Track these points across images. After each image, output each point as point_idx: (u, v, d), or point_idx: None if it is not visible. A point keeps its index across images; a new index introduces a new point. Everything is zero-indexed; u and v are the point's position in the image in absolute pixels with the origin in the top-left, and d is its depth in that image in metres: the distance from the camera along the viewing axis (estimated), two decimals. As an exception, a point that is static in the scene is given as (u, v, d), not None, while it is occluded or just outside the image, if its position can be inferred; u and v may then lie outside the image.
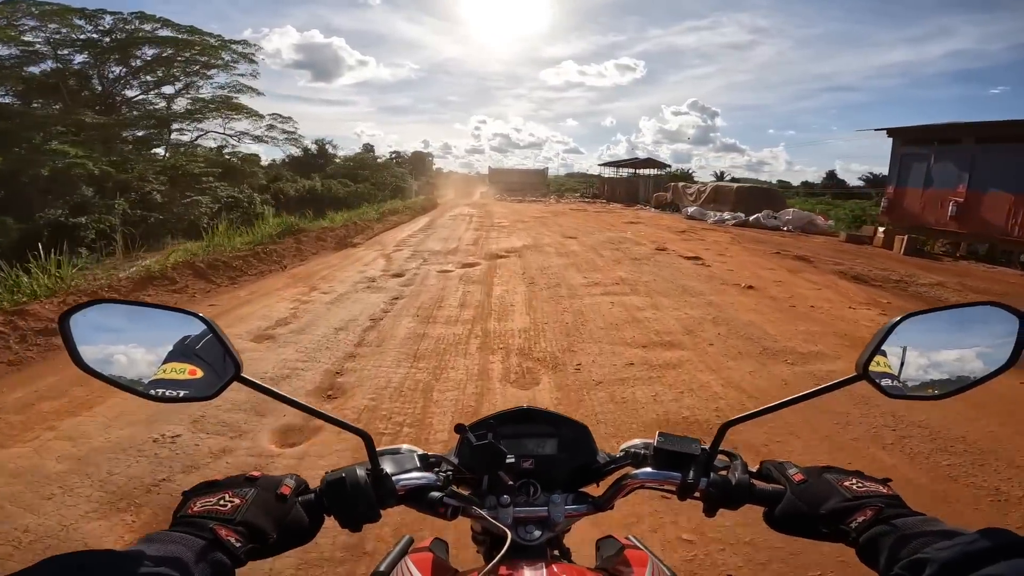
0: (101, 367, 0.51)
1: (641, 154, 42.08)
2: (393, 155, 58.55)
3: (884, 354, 0.54)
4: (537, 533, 0.61)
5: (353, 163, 38.93)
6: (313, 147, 38.09)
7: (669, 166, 36.93)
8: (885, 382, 0.55)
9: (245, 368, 0.53)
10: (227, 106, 21.50)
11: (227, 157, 24.27)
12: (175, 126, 20.86)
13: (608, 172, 39.08)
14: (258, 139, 23.81)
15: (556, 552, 0.66)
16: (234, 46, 20.68)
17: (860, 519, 0.49)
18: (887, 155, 13.15)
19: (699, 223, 16.85)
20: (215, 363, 0.53)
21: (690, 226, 15.52)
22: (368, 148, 52.17)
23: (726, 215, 17.27)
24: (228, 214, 25.18)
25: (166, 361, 0.52)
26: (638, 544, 0.69)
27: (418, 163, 58.05)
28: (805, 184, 45.83)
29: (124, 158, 15.39)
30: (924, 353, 0.55)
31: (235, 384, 0.53)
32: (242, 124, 23.31)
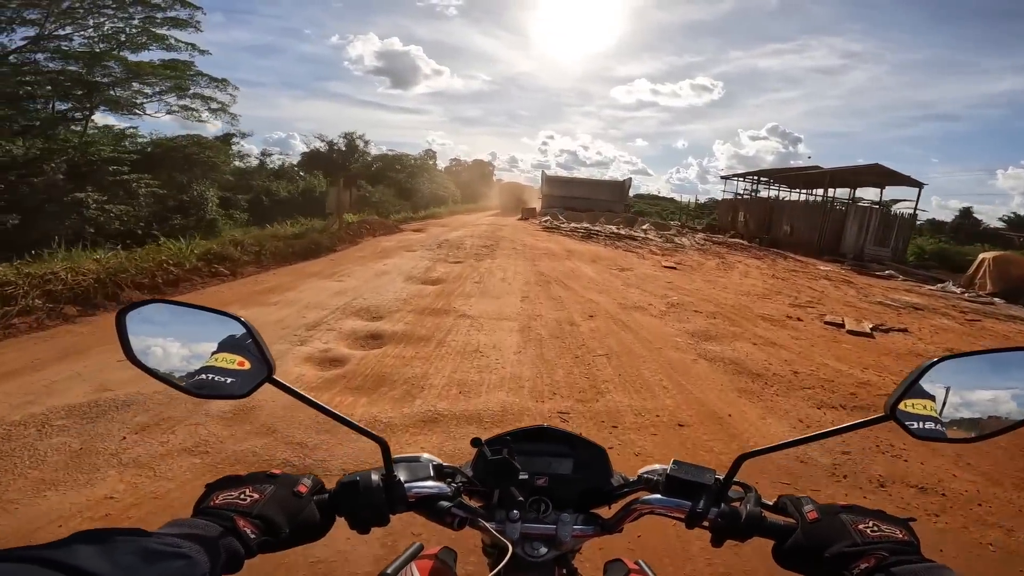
0: (150, 361, 0.54)
1: (713, 179, 23.77)
2: (453, 162, 52.87)
3: (924, 396, 0.54)
4: (543, 550, 0.62)
5: (383, 163, 32.17)
6: (341, 142, 31.85)
7: (921, 185, 17.64)
8: (913, 424, 0.54)
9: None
10: (109, 59, 15.01)
11: (169, 141, 17.89)
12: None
13: (736, 187, 24.67)
14: (137, 110, 16.10)
15: (564, 571, 0.67)
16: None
17: (863, 566, 0.48)
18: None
19: None
20: (254, 361, 0.55)
21: None
22: (430, 154, 46.53)
23: None
24: (172, 219, 19.11)
25: (217, 352, 0.55)
26: (645, 569, 0.70)
27: (478, 171, 51.52)
28: (931, 223, 31.69)
29: None
30: (959, 396, 0.54)
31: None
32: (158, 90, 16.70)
